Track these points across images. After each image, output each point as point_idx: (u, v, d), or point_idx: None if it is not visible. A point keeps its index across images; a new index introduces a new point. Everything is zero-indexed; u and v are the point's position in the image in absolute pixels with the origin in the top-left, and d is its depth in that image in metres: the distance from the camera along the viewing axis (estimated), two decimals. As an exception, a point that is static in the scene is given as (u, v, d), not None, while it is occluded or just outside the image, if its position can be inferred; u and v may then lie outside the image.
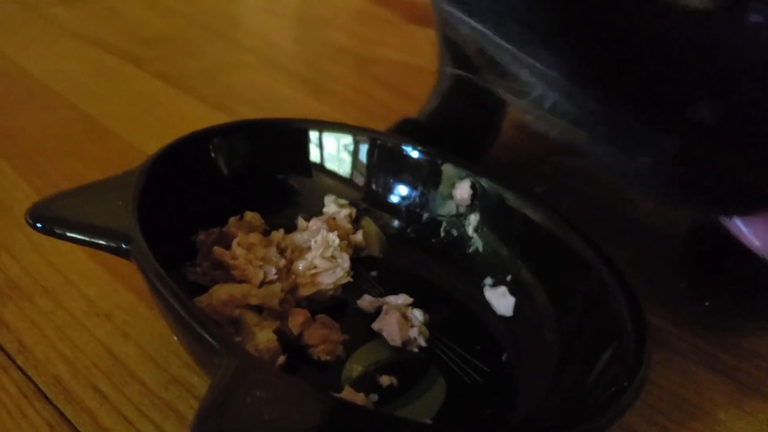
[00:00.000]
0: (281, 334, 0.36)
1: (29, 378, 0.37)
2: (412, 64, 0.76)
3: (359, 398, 0.32)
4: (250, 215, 0.43)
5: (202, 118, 0.63)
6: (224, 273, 0.39)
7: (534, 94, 0.32)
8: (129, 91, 0.68)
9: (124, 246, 0.33)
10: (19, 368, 0.37)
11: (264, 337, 0.33)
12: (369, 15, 0.96)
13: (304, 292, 0.38)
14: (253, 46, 0.81)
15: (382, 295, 0.39)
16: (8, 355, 0.38)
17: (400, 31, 0.91)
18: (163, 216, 0.38)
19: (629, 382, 0.29)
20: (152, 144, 0.58)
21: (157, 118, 0.63)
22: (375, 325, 0.37)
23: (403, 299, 0.38)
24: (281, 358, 0.33)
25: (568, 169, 0.53)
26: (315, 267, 0.38)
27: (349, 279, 0.38)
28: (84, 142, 0.58)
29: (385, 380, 0.35)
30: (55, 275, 0.44)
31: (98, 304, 0.42)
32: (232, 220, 0.43)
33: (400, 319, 0.36)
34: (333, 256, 0.39)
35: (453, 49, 0.52)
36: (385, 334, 0.37)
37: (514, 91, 0.33)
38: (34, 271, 0.44)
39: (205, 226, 0.42)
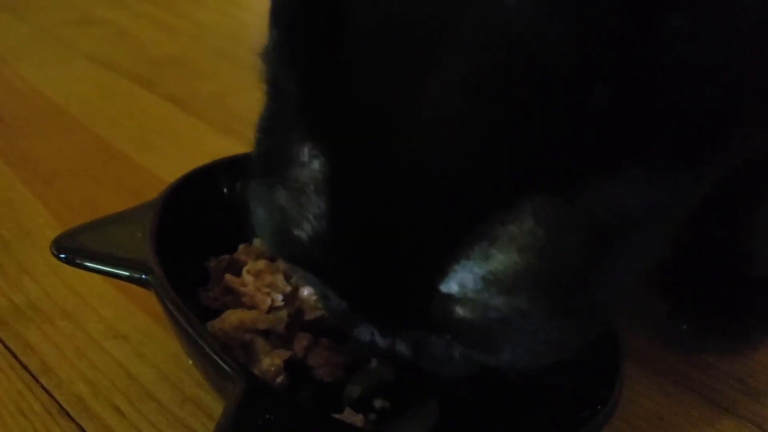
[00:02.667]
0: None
1: (53, 397, 0.40)
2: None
3: (358, 419, 0.35)
4: (258, 242, 0.46)
5: (211, 142, 0.66)
6: (235, 298, 0.41)
7: None
8: (141, 115, 0.71)
9: (144, 276, 0.36)
10: (43, 388, 0.40)
11: (268, 361, 0.36)
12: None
13: (308, 316, 0.40)
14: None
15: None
16: (33, 375, 0.41)
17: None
18: (178, 244, 0.41)
19: (602, 405, 0.32)
20: (164, 168, 0.61)
21: (169, 142, 0.66)
22: (371, 365, 0.40)
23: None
24: (285, 381, 0.36)
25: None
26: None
27: None
28: (99, 165, 0.61)
29: (378, 403, 0.38)
30: (74, 298, 0.47)
31: (115, 326, 0.45)
32: (242, 247, 0.45)
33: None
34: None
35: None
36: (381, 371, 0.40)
37: None
38: (54, 294, 0.47)
39: (216, 252, 0.45)
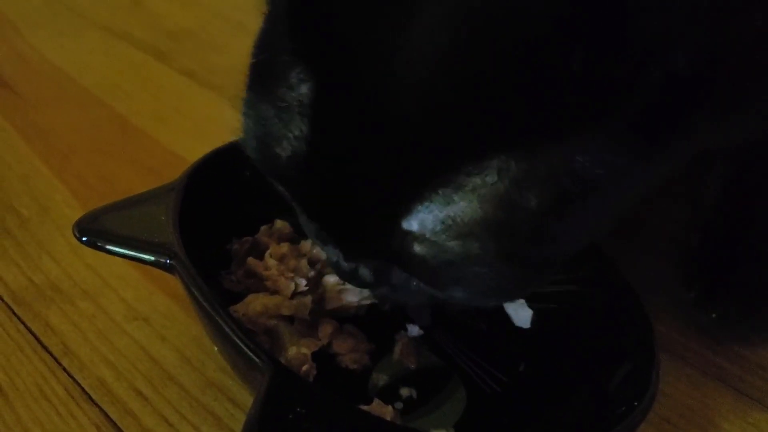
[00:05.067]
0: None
1: (75, 380, 0.39)
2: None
3: (387, 411, 0.35)
4: (280, 223, 0.45)
5: (228, 117, 0.64)
6: (258, 282, 0.41)
7: None
8: (156, 89, 0.69)
9: (168, 261, 0.35)
10: (65, 371, 0.40)
11: (295, 350, 0.35)
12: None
13: (330, 305, 0.40)
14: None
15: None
16: (55, 358, 0.40)
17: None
18: (200, 226, 0.40)
19: (639, 401, 0.32)
20: (180, 144, 0.60)
21: (185, 117, 0.65)
22: (394, 356, 0.40)
23: (416, 330, 0.41)
24: (313, 371, 0.36)
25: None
26: (343, 284, 0.40)
27: (374, 300, 0.40)
28: (115, 141, 0.60)
29: (405, 392, 0.37)
30: (95, 278, 0.46)
31: (136, 307, 0.44)
32: (263, 228, 0.45)
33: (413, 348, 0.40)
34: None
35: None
36: (403, 359, 0.39)
37: None
38: (75, 274, 0.46)
39: (238, 233, 0.44)
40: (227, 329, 0.31)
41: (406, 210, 0.28)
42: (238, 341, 0.30)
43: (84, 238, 0.37)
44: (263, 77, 0.31)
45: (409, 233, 0.29)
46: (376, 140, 0.28)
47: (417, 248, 0.29)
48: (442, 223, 0.28)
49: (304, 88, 0.29)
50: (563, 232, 0.29)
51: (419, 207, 0.28)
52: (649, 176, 0.30)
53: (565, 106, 0.26)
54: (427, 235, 0.28)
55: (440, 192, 0.27)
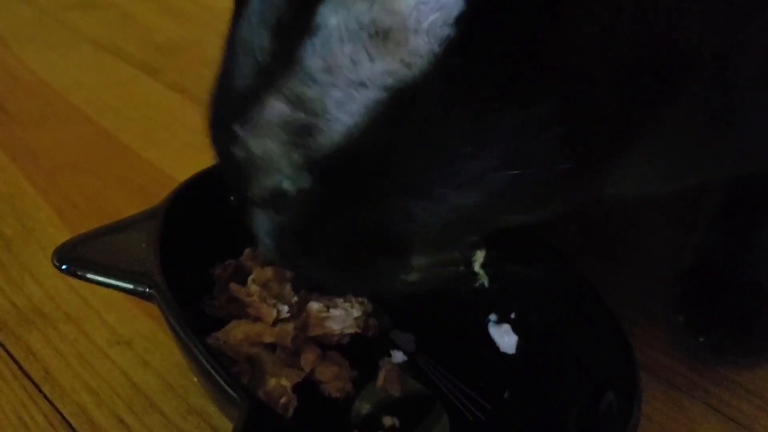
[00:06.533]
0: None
1: (55, 407, 0.39)
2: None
3: (368, 443, 0.34)
4: (264, 246, 0.45)
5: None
6: (240, 307, 0.40)
7: None
8: (146, 105, 0.69)
9: (148, 290, 0.35)
10: (46, 397, 0.39)
11: (274, 382, 0.35)
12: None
13: (313, 332, 0.39)
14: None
15: (388, 332, 0.41)
16: (36, 385, 0.40)
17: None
18: (183, 250, 0.40)
19: (622, 425, 0.31)
20: (168, 161, 0.60)
21: (174, 135, 0.64)
22: (378, 383, 0.39)
23: (400, 356, 0.41)
24: (293, 403, 0.35)
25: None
26: (327, 310, 0.39)
27: (357, 330, 0.40)
28: (102, 159, 0.60)
29: (388, 421, 0.37)
30: (78, 300, 0.46)
31: (119, 331, 0.44)
32: (247, 251, 0.44)
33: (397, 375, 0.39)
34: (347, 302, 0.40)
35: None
36: (386, 387, 0.39)
37: None
38: (57, 297, 0.46)
39: (223, 255, 0.44)
40: (205, 363, 0.30)
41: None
42: (215, 375, 0.30)
43: (63, 266, 0.36)
44: None
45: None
46: None
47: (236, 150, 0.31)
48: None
49: None
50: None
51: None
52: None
53: None
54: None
55: None
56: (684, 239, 0.49)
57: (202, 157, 0.45)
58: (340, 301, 0.40)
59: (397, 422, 0.37)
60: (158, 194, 0.41)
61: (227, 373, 0.30)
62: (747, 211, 0.47)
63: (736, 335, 0.45)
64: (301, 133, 0.29)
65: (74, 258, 0.37)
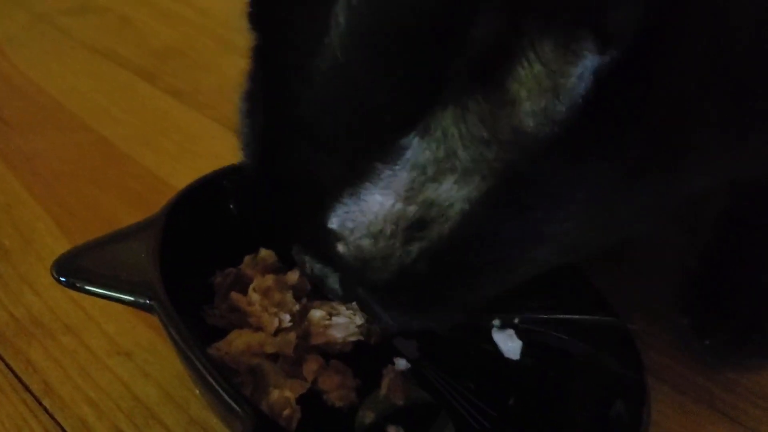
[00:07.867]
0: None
1: (56, 421, 0.38)
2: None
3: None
4: (264, 252, 0.45)
5: (215, 140, 0.64)
6: (241, 316, 0.40)
7: None
8: (143, 111, 0.69)
9: (148, 302, 0.34)
10: (46, 410, 0.39)
11: (277, 394, 0.35)
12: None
13: (315, 340, 0.39)
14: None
15: (391, 339, 0.41)
16: (36, 398, 0.40)
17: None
18: (183, 260, 0.40)
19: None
20: (167, 168, 0.60)
21: (171, 140, 0.64)
22: (381, 391, 0.39)
23: (404, 363, 0.40)
24: (297, 415, 0.35)
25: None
26: (329, 318, 0.39)
27: (360, 337, 0.40)
28: (100, 166, 0.60)
29: (392, 430, 0.36)
30: (77, 311, 0.45)
31: (119, 342, 0.43)
32: (247, 259, 0.44)
33: (401, 383, 0.39)
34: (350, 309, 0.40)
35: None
36: (390, 395, 0.39)
37: None
38: (56, 308, 0.45)
39: (223, 263, 0.43)
40: (208, 377, 0.30)
41: (329, 209, 0.29)
42: (218, 388, 0.30)
43: (63, 279, 0.36)
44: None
45: (332, 232, 0.30)
46: (301, 140, 0.30)
47: (340, 247, 0.30)
48: (353, 220, 0.29)
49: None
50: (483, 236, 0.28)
51: (337, 205, 0.29)
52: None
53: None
54: (346, 233, 0.29)
55: (351, 190, 0.28)
56: (690, 243, 0.49)
57: (200, 163, 0.45)
58: (342, 308, 0.40)
59: (401, 431, 0.37)
60: (156, 200, 0.41)
61: (230, 386, 0.30)
62: (753, 215, 0.47)
63: (742, 338, 0.44)
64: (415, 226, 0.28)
65: (73, 270, 0.36)
